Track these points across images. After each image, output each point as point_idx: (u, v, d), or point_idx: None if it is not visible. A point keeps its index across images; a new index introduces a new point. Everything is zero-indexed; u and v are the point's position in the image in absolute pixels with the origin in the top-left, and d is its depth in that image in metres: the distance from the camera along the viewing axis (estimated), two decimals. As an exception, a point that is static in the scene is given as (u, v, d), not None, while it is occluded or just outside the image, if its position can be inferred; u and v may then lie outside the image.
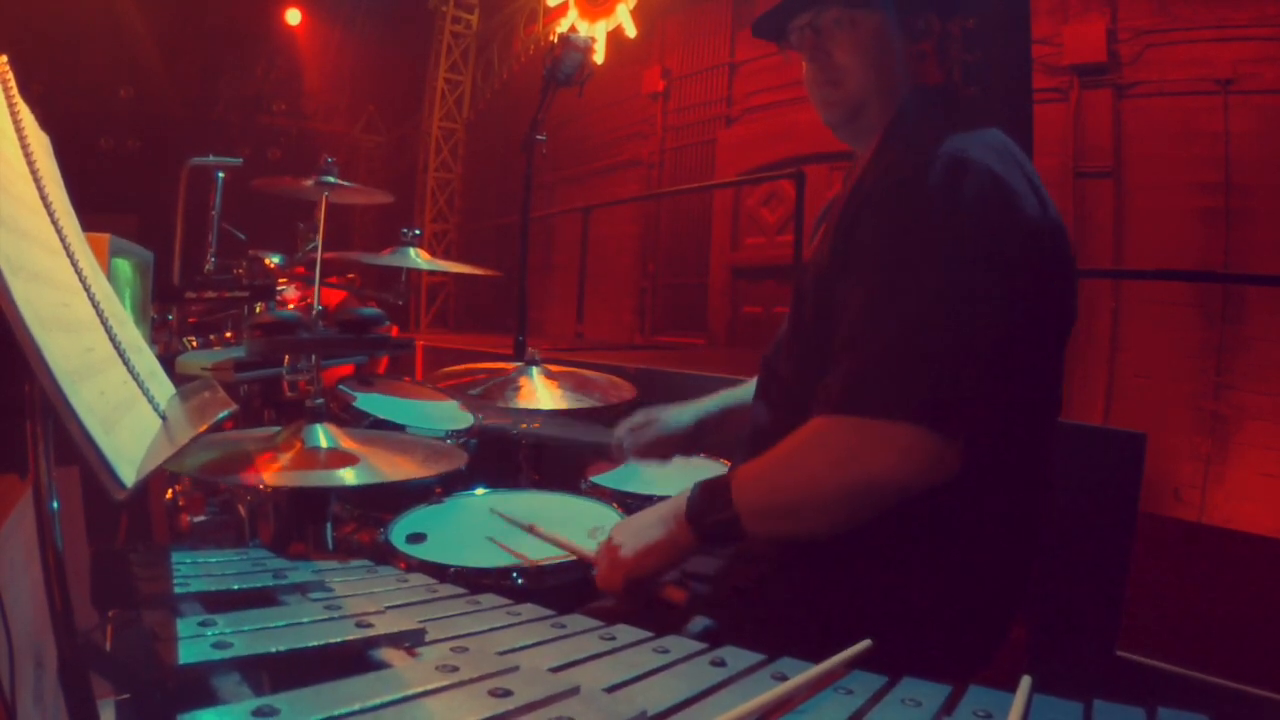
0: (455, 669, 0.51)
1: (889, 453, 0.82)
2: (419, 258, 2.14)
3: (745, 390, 1.36)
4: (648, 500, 1.50)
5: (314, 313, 2.09)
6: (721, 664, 0.61)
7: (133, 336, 0.79)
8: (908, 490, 0.83)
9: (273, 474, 1.12)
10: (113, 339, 0.67)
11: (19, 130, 0.66)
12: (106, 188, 6.18)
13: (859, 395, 0.84)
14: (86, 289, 0.66)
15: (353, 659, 0.56)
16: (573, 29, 6.22)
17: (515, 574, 1.10)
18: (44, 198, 0.66)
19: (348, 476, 1.14)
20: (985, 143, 0.91)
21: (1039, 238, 0.89)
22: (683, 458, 1.76)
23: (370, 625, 0.58)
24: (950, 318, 0.82)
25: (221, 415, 0.78)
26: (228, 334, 2.83)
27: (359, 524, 1.61)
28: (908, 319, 0.84)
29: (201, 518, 1.88)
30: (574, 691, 0.50)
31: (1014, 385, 0.89)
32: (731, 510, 0.90)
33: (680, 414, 1.37)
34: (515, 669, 0.52)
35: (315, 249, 2.15)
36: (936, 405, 0.81)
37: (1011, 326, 0.86)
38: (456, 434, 1.75)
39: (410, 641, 0.59)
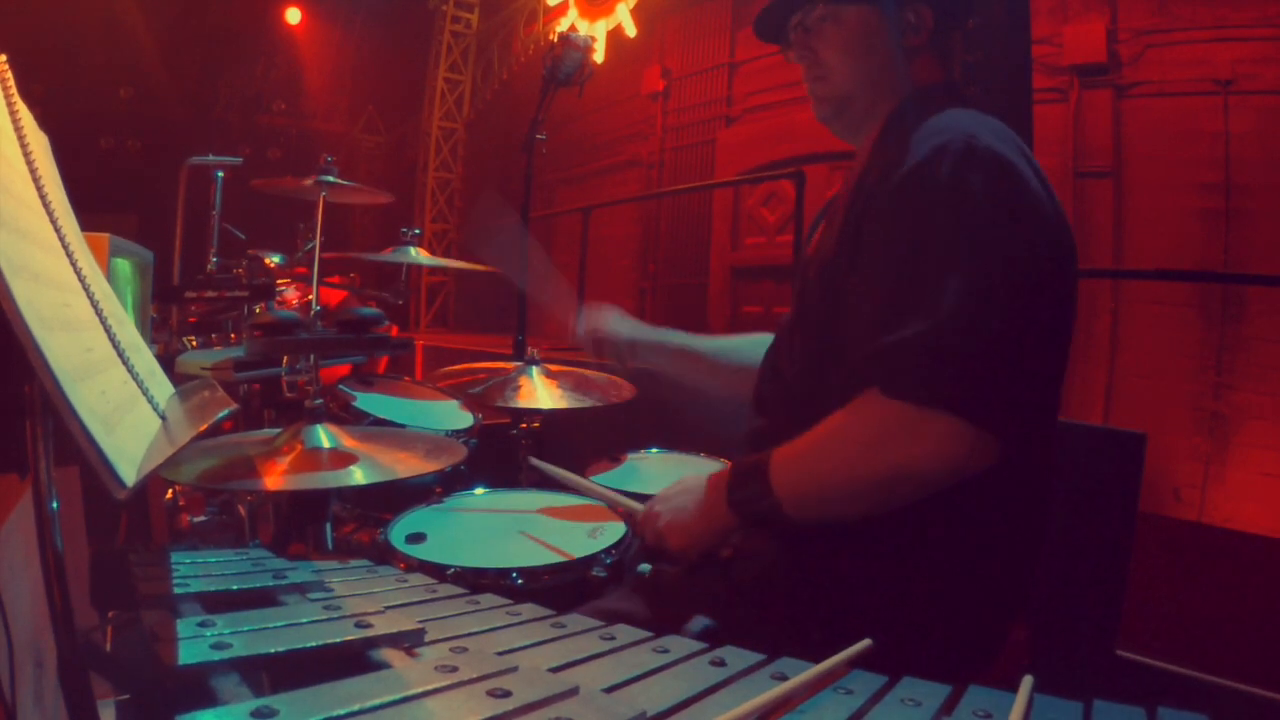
0: (454, 669, 0.51)
1: (927, 440, 0.83)
2: (419, 255, 2.14)
3: (716, 343, 1.39)
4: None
5: (313, 312, 2.09)
6: (721, 664, 0.61)
7: (132, 336, 0.79)
8: (940, 481, 0.84)
9: (275, 479, 1.12)
10: (112, 339, 0.67)
11: (18, 130, 0.66)
12: (106, 188, 6.19)
13: (897, 380, 0.84)
14: (86, 289, 0.66)
15: (352, 659, 0.56)
16: (572, 28, 6.21)
17: (514, 574, 1.10)
18: (43, 197, 0.66)
19: (351, 476, 1.14)
20: (990, 127, 0.91)
21: (1049, 225, 0.90)
22: (679, 455, 1.79)
23: (370, 625, 0.58)
24: (977, 311, 0.83)
25: (221, 415, 0.78)
26: (232, 335, 2.84)
27: (359, 524, 1.61)
28: (936, 311, 0.83)
29: (201, 518, 1.88)
30: (573, 692, 0.50)
31: (1036, 380, 0.90)
32: (772, 497, 0.92)
33: (624, 324, 1.43)
34: (514, 669, 0.52)
35: (314, 248, 2.16)
36: (976, 396, 0.82)
37: (1033, 318, 0.86)
38: (457, 434, 1.75)
39: (410, 642, 0.59)
